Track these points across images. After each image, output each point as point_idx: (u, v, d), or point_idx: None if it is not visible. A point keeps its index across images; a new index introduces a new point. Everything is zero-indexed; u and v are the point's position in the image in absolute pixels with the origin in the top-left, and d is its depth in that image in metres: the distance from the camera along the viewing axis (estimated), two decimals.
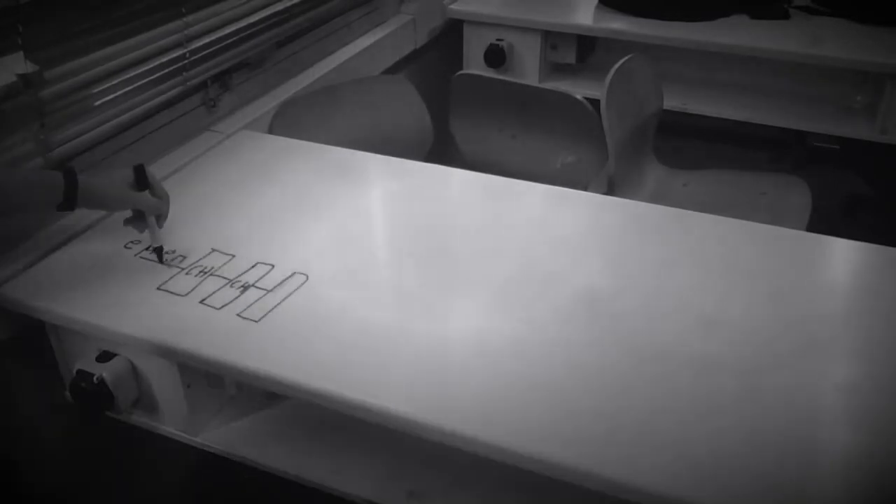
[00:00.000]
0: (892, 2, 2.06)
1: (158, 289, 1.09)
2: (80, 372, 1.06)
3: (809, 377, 0.95)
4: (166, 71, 1.41)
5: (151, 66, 1.37)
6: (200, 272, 1.13)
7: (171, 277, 1.12)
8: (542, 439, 0.86)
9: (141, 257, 1.16)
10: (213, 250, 1.17)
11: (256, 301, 1.07)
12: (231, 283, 1.11)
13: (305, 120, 1.66)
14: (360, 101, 1.76)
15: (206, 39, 1.49)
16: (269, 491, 1.18)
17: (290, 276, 1.11)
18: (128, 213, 1.15)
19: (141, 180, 1.13)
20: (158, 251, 1.14)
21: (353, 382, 0.94)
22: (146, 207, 1.14)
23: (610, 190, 1.66)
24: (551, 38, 2.19)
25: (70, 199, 1.04)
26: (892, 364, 0.96)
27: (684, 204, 1.32)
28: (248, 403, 1.15)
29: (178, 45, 1.43)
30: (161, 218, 1.16)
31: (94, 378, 1.05)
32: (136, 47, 1.34)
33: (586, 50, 2.23)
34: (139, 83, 1.35)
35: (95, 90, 1.27)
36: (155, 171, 1.38)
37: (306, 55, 1.83)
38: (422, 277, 1.12)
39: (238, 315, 1.04)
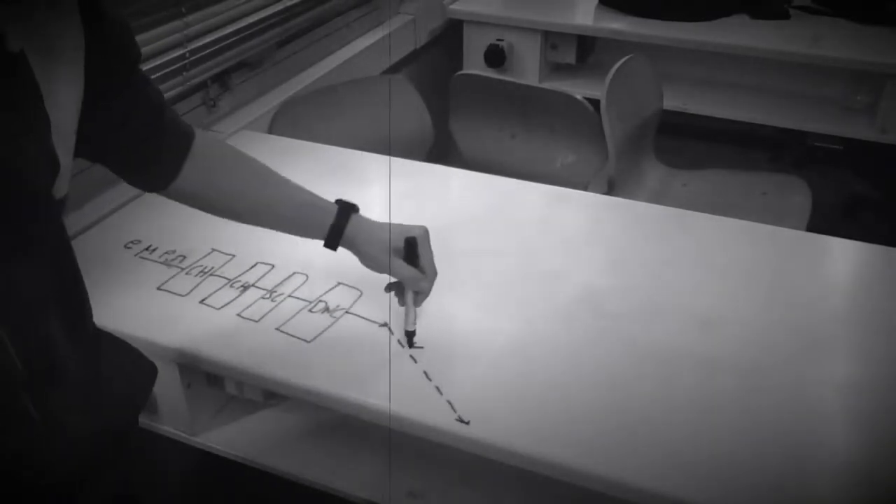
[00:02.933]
0: (892, 2, 2.06)
1: (158, 289, 1.09)
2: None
3: (809, 377, 0.95)
4: (166, 71, 1.41)
5: (151, 65, 1.37)
6: (200, 272, 1.13)
7: (172, 277, 1.12)
8: (542, 439, 0.86)
9: (141, 257, 1.16)
10: (214, 250, 1.17)
11: (256, 301, 1.07)
12: (231, 282, 1.11)
13: (305, 120, 1.66)
14: (360, 101, 1.76)
15: (206, 39, 1.49)
16: (269, 491, 1.18)
17: (290, 276, 1.11)
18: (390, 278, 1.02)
19: (410, 252, 0.99)
20: (409, 336, 1.00)
21: (352, 382, 0.94)
22: (406, 280, 0.99)
23: (610, 190, 1.66)
24: (551, 38, 2.19)
25: (334, 239, 0.97)
26: (892, 363, 0.96)
27: (684, 204, 1.32)
28: (248, 403, 1.15)
29: (178, 44, 1.43)
30: (421, 295, 1.00)
31: None
32: None
33: (586, 50, 2.23)
34: None
35: None
36: None
37: (306, 55, 1.83)
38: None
39: (238, 315, 1.04)
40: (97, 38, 0.69)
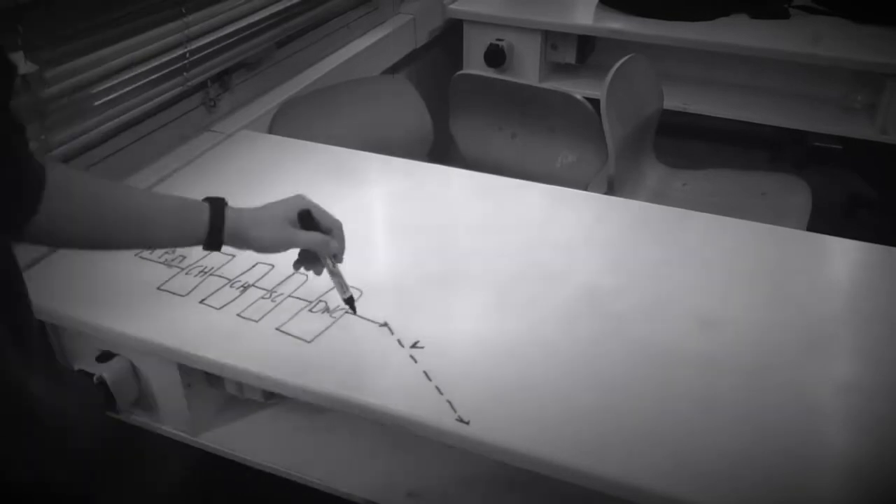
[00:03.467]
0: (892, 2, 2.06)
1: (158, 289, 1.09)
2: (80, 372, 1.06)
3: (810, 376, 0.95)
4: (166, 71, 1.41)
5: (151, 66, 1.37)
6: (200, 272, 1.13)
7: (172, 277, 1.12)
8: (542, 439, 0.86)
9: (141, 257, 1.16)
10: None
11: (256, 301, 1.07)
12: (231, 283, 1.11)
13: (305, 120, 1.66)
14: (360, 101, 1.76)
15: (206, 39, 1.49)
16: (268, 491, 1.18)
17: (290, 276, 1.11)
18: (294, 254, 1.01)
19: (308, 222, 0.96)
20: (349, 302, 0.99)
21: (352, 383, 0.94)
22: (318, 245, 0.96)
23: (610, 190, 1.66)
24: (551, 38, 2.19)
25: (215, 235, 0.92)
26: (892, 363, 0.96)
27: (684, 204, 1.32)
28: (248, 403, 1.15)
29: (178, 45, 1.43)
30: (338, 256, 0.99)
31: (95, 378, 1.05)
32: (136, 47, 1.34)
33: (586, 50, 2.23)
34: (139, 83, 1.35)
35: (95, 90, 1.27)
36: (155, 171, 1.40)
37: (306, 55, 1.83)
38: (422, 277, 1.12)
39: (238, 315, 1.04)
40: None
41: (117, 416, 1.11)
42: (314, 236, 0.97)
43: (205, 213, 0.92)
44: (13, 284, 0.67)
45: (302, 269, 1.01)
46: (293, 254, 1.16)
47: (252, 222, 0.94)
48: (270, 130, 1.62)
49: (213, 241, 0.93)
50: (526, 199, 1.33)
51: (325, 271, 1.00)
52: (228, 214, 0.93)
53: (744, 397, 0.91)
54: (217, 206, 0.93)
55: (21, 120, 0.73)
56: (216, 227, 0.92)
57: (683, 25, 2.08)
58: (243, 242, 0.95)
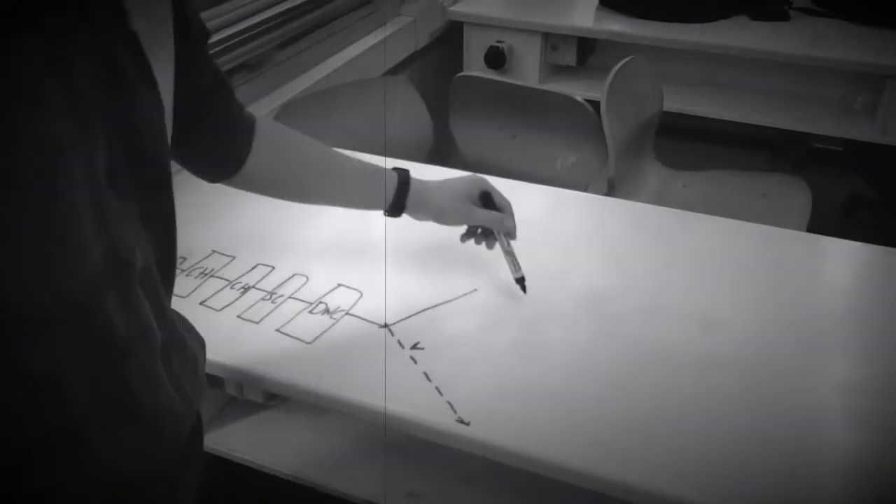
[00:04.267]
0: (892, 2, 2.06)
1: None
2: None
3: (810, 377, 0.95)
4: None
5: None
6: (201, 273, 1.13)
7: None
8: (542, 439, 0.86)
9: None
10: (214, 252, 1.18)
11: (257, 302, 1.07)
12: (231, 284, 1.11)
13: (306, 121, 1.66)
14: (361, 103, 1.76)
15: None
16: (269, 491, 1.18)
17: (290, 278, 1.12)
18: (462, 229, 1.08)
19: (488, 202, 1.04)
20: (521, 281, 1.05)
21: (352, 383, 0.94)
22: (494, 223, 1.04)
23: (610, 190, 1.66)
24: (551, 40, 2.20)
25: (401, 199, 0.99)
26: (892, 364, 0.96)
27: (684, 204, 1.32)
28: (248, 404, 1.15)
29: None
30: (510, 235, 1.06)
31: None
32: None
33: (586, 51, 2.23)
34: None
35: None
36: None
37: (307, 57, 1.83)
38: (422, 278, 1.12)
39: (238, 316, 1.05)
40: (179, 11, 0.69)
41: None
42: (492, 214, 1.04)
43: (393, 179, 0.99)
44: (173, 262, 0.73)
45: (471, 241, 1.08)
46: (294, 257, 1.16)
47: (437, 191, 1.01)
48: None
49: (397, 206, 1.00)
50: (526, 201, 1.33)
51: (496, 247, 1.06)
52: (413, 183, 1.00)
53: (744, 397, 0.91)
54: (403, 174, 1.00)
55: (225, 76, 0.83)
56: (402, 191, 0.99)
57: (683, 27, 2.08)
58: (424, 209, 1.01)
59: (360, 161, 1.00)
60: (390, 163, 1.43)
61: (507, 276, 1.10)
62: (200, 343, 0.82)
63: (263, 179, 0.93)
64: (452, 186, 1.03)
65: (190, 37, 0.73)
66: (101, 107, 0.56)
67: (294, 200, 1.00)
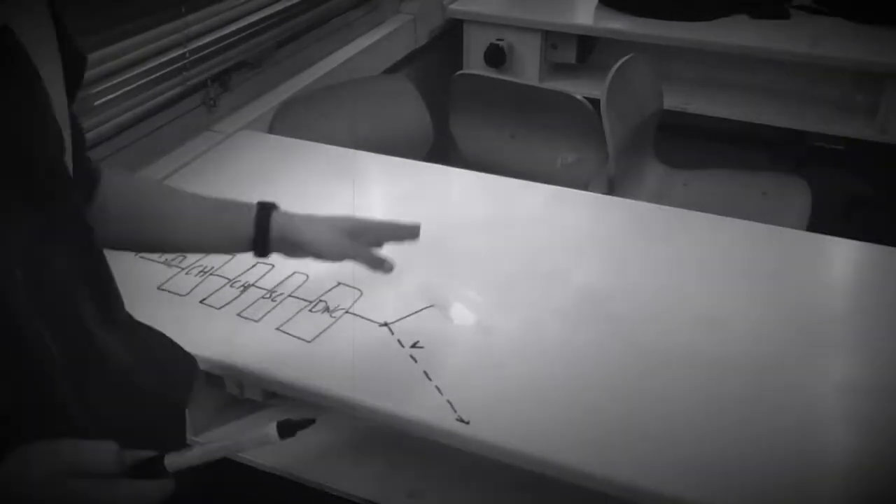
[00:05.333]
0: (892, 2, 2.06)
1: (159, 289, 1.09)
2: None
3: (810, 377, 0.95)
4: (166, 71, 1.41)
5: (151, 66, 1.37)
6: (201, 272, 1.13)
7: (172, 277, 1.12)
8: (542, 439, 0.86)
9: (141, 257, 1.16)
10: None
11: (256, 301, 1.07)
12: (231, 282, 1.11)
13: (305, 120, 1.66)
14: (361, 101, 1.76)
15: (206, 39, 1.49)
16: (268, 491, 1.18)
17: (290, 276, 1.11)
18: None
19: (359, 230, 0.91)
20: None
21: (352, 383, 0.94)
22: (366, 262, 0.91)
23: (610, 190, 1.66)
24: (551, 38, 2.19)
25: (262, 236, 0.86)
26: (892, 363, 0.96)
27: (684, 204, 1.32)
28: (248, 403, 1.15)
29: (178, 44, 1.42)
30: (386, 271, 0.92)
31: None
32: (135, 47, 1.34)
33: (586, 50, 2.22)
34: (139, 83, 1.35)
35: (95, 90, 1.27)
36: (155, 171, 1.40)
37: (306, 55, 1.83)
38: (422, 277, 1.12)
39: (238, 315, 1.04)
40: (61, 36, 0.66)
41: None
42: (365, 253, 0.92)
43: (251, 213, 0.87)
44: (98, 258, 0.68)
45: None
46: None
47: (306, 223, 0.89)
48: (270, 130, 1.62)
49: (261, 243, 0.87)
50: (526, 199, 1.33)
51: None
52: (275, 216, 0.88)
53: (744, 397, 0.91)
54: (265, 207, 0.88)
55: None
56: (262, 227, 0.87)
57: (684, 25, 2.08)
58: (296, 246, 0.89)
59: (219, 201, 0.89)
60: (391, 161, 1.44)
61: (508, 276, 1.10)
62: (172, 364, 0.77)
63: (107, 235, 0.79)
64: (325, 218, 0.91)
65: (71, 58, 0.68)
66: None
67: (145, 251, 0.92)
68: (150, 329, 0.79)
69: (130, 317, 0.76)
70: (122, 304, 0.74)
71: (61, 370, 0.60)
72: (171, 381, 0.77)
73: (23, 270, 0.56)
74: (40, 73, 0.60)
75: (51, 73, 0.63)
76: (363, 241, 0.91)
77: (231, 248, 0.90)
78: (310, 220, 0.90)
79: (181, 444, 0.74)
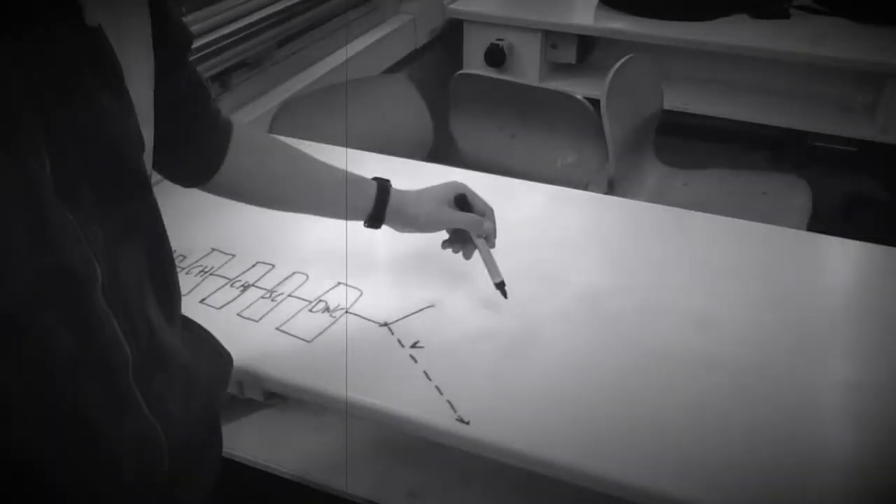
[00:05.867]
0: (892, 2, 2.06)
1: None
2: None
3: (810, 376, 0.95)
4: None
5: None
6: (201, 272, 1.13)
7: None
8: (542, 439, 0.86)
9: None
10: (214, 250, 1.17)
11: (256, 301, 1.07)
12: (231, 282, 1.11)
13: (305, 120, 1.66)
14: (361, 101, 1.76)
15: (206, 39, 1.49)
16: (268, 491, 1.18)
17: (290, 276, 1.11)
18: (444, 235, 1.06)
19: (463, 205, 1.02)
20: (500, 287, 1.01)
21: (352, 382, 0.94)
22: (471, 225, 1.02)
23: (610, 190, 1.66)
24: (551, 38, 2.19)
25: (379, 212, 0.98)
26: (891, 363, 0.96)
27: (684, 204, 1.32)
28: (248, 403, 1.15)
29: None
30: (490, 238, 1.03)
31: None
32: None
33: (586, 50, 2.23)
34: None
35: None
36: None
37: (306, 55, 1.83)
38: (422, 277, 1.12)
39: (238, 315, 1.04)
40: (159, 16, 0.68)
41: None
42: (469, 217, 1.02)
43: (372, 189, 0.98)
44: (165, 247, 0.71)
45: (451, 250, 1.06)
46: (294, 255, 1.16)
47: (413, 200, 1.00)
48: (271, 130, 1.62)
49: (377, 216, 0.98)
50: (526, 199, 1.33)
51: (476, 253, 1.03)
52: (393, 193, 0.99)
53: (744, 397, 0.91)
54: (383, 184, 0.99)
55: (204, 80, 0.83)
56: (381, 201, 0.98)
57: (684, 25, 2.08)
58: (403, 219, 1.00)
59: (339, 170, 0.98)
60: (391, 161, 1.44)
61: (508, 276, 1.10)
62: (215, 359, 0.81)
63: (237, 186, 0.92)
64: (430, 192, 1.02)
65: (169, 42, 0.71)
66: (46, 119, 0.53)
67: (268, 207, 0.98)
68: (198, 326, 0.84)
69: (182, 315, 0.79)
70: (181, 302, 0.76)
71: (133, 366, 0.61)
72: (214, 376, 0.81)
73: (101, 268, 0.57)
74: (127, 71, 0.61)
75: (138, 70, 0.65)
76: (466, 209, 1.03)
77: (346, 216, 1.00)
78: (419, 196, 1.01)
79: (219, 439, 0.79)
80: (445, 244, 1.06)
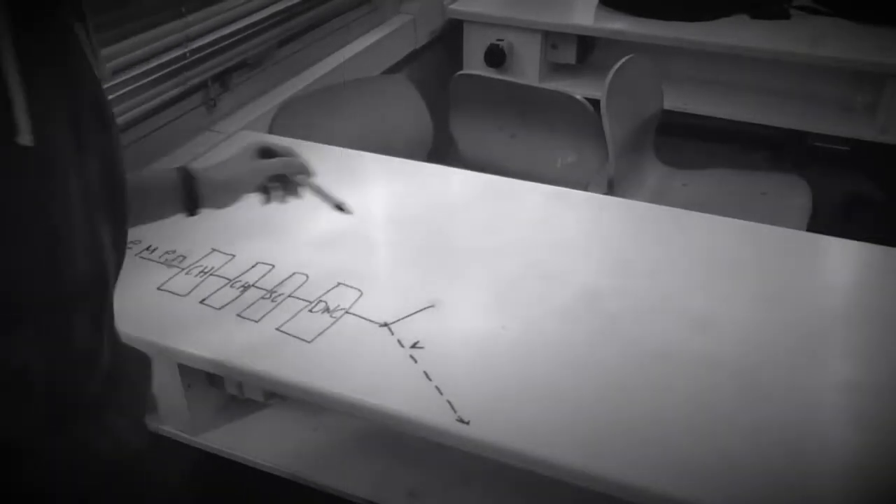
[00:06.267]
0: (892, 2, 2.06)
1: (158, 289, 1.10)
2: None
3: (809, 377, 0.95)
4: (166, 71, 1.41)
5: (151, 66, 1.37)
6: (201, 272, 1.13)
7: (171, 277, 1.12)
8: (542, 439, 0.86)
9: (141, 257, 1.16)
10: (214, 250, 1.17)
11: (256, 301, 1.07)
12: (231, 282, 1.11)
13: (305, 120, 1.66)
14: (361, 101, 1.76)
15: (206, 39, 1.49)
16: (268, 491, 1.18)
17: (290, 276, 1.11)
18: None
19: (266, 154, 1.02)
20: (341, 208, 1.02)
21: (353, 383, 0.94)
22: (283, 168, 1.01)
23: (610, 190, 1.66)
24: (551, 38, 2.19)
25: (191, 193, 0.95)
26: (891, 363, 0.96)
27: (684, 204, 1.32)
28: (248, 403, 1.15)
29: (178, 44, 1.43)
30: (305, 171, 1.02)
31: None
32: (136, 47, 1.34)
33: (586, 50, 2.23)
34: (139, 83, 1.35)
35: None
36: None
37: (306, 55, 1.83)
38: (422, 277, 1.12)
39: (238, 315, 1.04)
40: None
41: None
42: (281, 159, 1.02)
43: (173, 174, 0.95)
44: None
45: (274, 200, 1.04)
46: (294, 255, 1.16)
47: (219, 167, 0.99)
48: (270, 130, 1.62)
49: (190, 197, 0.95)
50: (526, 199, 1.33)
51: (304, 192, 1.03)
52: (196, 171, 0.96)
53: (744, 397, 0.91)
54: (184, 170, 0.96)
55: None
56: (188, 179, 0.95)
57: (684, 26, 2.08)
58: (217, 188, 0.97)
59: (141, 174, 0.97)
60: (391, 161, 1.44)
61: (508, 276, 1.10)
62: (139, 363, 0.81)
63: None
64: (232, 158, 1.02)
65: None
66: (93, 134, 0.59)
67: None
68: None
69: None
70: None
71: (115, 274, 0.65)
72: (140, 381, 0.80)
73: (76, 178, 0.59)
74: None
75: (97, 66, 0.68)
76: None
77: (164, 214, 0.97)
78: (223, 164, 1.01)
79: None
80: (265, 198, 1.04)
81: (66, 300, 0.58)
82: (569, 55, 2.20)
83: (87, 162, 0.59)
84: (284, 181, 1.03)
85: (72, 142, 0.57)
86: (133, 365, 0.79)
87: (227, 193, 0.99)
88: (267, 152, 1.03)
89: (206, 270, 1.13)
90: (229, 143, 1.50)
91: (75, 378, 0.62)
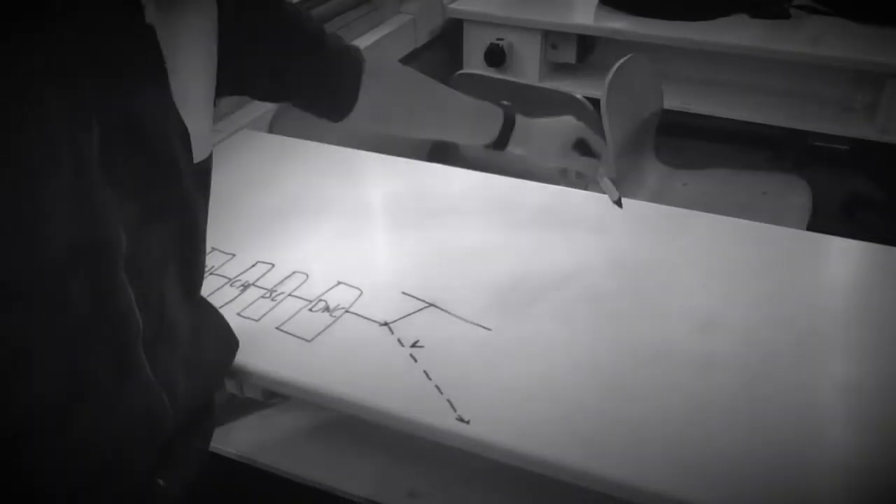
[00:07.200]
0: (893, 2, 2.06)
1: None
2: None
3: (809, 377, 0.95)
4: None
5: None
6: None
7: None
8: (542, 439, 0.86)
9: None
10: (213, 249, 1.17)
11: (256, 300, 1.07)
12: (231, 282, 1.11)
13: (305, 119, 1.65)
14: None
15: None
16: (268, 490, 1.18)
17: (290, 276, 1.11)
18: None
19: (584, 150, 1.12)
20: (618, 202, 1.15)
21: (353, 382, 0.94)
22: (588, 170, 1.14)
23: None
24: (551, 38, 2.19)
25: (504, 137, 1.06)
26: (892, 364, 0.96)
27: (684, 203, 1.32)
28: (248, 403, 1.15)
29: None
30: (601, 176, 1.14)
31: None
32: None
33: (586, 49, 2.22)
34: None
35: None
36: None
37: None
38: (422, 277, 1.12)
39: (238, 314, 1.04)
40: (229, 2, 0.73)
41: None
42: (587, 161, 1.13)
43: (499, 115, 1.06)
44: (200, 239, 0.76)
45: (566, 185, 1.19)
46: (294, 254, 1.16)
47: (539, 131, 1.09)
48: (270, 130, 1.62)
49: (502, 141, 1.07)
50: (526, 199, 1.33)
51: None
52: (518, 120, 1.07)
53: (744, 397, 0.91)
54: (509, 111, 1.07)
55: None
56: (508, 126, 1.06)
57: (684, 25, 2.08)
58: (526, 146, 1.09)
59: (465, 97, 1.07)
60: (391, 161, 1.44)
61: (508, 276, 1.10)
62: (222, 344, 0.85)
63: (374, 116, 1.00)
64: (554, 129, 1.11)
65: (243, 17, 0.77)
66: (100, 97, 0.58)
67: (403, 134, 1.07)
68: (216, 311, 0.89)
69: (201, 297, 0.84)
70: (201, 284, 0.81)
71: (144, 335, 0.66)
72: (217, 357, 0.86)
73: (127, 243, 0.61)
74: (179, 67, 0.65)
75: (194, 63, 0.69)
76: (587, 151, 1.13)
77: (474, 140, 1.10)
78: (544, 126, 1.10)
79: (212, 420, 0.85)
80: (562, 179, 1.18)
81: (53, 271, 0.57)
82: (569, 55, 2.20)
83: (87, 126, 0.57)
84: (580, 175, 1.16)
85: (63, 107, 0.55)
86: (211, 341, 0.80)
87: (530, 153, 1.10)
88: (584, 144, 1.13)
89: (205, 269, 1.13)
90: (229, 143, 1.50)
91: (85, 351, 0.61)
